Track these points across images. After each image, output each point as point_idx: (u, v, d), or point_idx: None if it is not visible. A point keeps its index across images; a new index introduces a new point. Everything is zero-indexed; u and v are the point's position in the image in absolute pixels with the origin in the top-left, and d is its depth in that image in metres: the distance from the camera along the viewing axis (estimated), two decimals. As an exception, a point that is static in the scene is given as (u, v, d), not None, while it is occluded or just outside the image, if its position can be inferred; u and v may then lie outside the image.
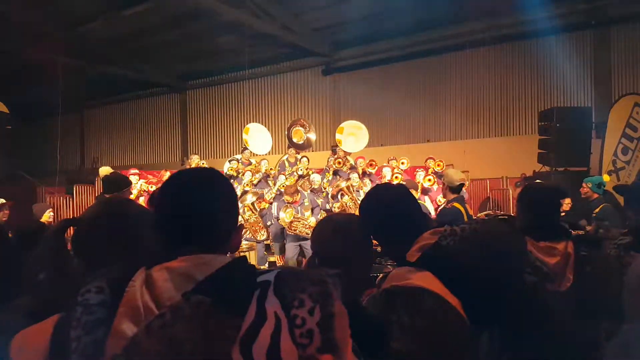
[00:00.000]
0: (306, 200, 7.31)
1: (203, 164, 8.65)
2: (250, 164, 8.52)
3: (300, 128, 9.14)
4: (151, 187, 8.52)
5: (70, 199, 10.21)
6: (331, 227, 1.47)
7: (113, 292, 0.84)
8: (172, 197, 0.97)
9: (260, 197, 7.66)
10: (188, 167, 8.77)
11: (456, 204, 4.05)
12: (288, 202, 7.00)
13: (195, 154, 9.38)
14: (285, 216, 6.81)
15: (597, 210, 5.00)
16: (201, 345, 0.77)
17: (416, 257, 1.27)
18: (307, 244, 6.91)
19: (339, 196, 7.46)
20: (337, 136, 8.81)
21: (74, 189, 10.38)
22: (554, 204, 2.23)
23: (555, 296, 1.84)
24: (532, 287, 1.29)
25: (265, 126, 9.99)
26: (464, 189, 7.48)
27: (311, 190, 7.54)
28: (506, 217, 4.33)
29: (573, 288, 1.97)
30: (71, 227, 1.23)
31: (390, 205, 1.46)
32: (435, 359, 1.10)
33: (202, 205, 0.95)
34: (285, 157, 8.99)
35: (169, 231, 0.94)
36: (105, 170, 8.61)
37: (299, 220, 6.90)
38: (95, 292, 0.84)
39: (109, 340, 0.79)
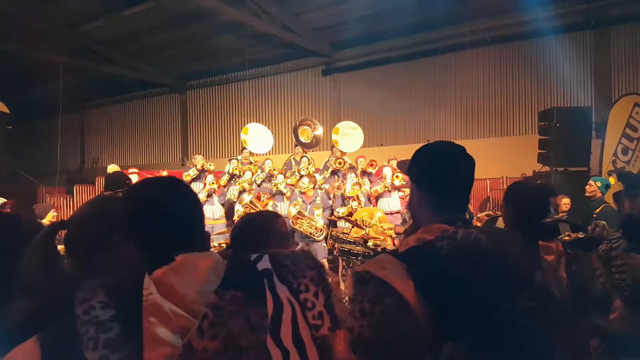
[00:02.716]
0: (318, 198, 7.38)
1: (210, 165, 8.62)
2: (250, 163, 8.52)
3: (307, 128, 9.18)
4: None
5: (71, 199, 10.22)
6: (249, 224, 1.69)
7: (118, 305, 0.81)
8: (164, 205, 0.98)
9: (257, 197, 7.69)
10: (192, 166, 8.78)
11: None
12: (302, 197, 7.14)
13: (197, 154, 9.39)
14: (293, 210, 6.92)
15: (597, 210, 5.00)
16: (251, 337, 0.79)
17: (405, 248, 1.21)
18: (313, 245, 6.94)
19: (348, 200, 7.46)
20: (333, 137, 8.87)
21: (74, 189, 10.39)
22: (545, 202, 2.26)
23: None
24: (524, 312, 1.16)
25: (265, 126, 10.01)
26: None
27: (301, 192, 7.53)
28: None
29: (567, 287, 2.00)
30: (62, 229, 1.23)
31: (446, 161, 1.34)
32: (386, 352, 1.06)
33: (192, 209, 1.01)
34: (292, 157, 9.04)
35: (163, 235, 0.95)
36: (112, 169, 8.64)
37: (305, 218, 6.95)
38: (100, 307, 0.80)
39: (147, 351, 0.76)
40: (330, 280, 0.90)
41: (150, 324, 0.77)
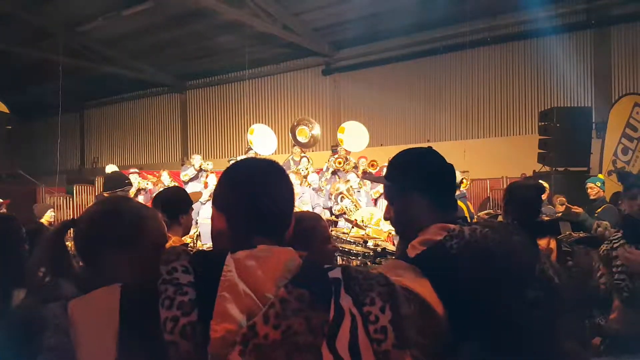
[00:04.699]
0: (306, 194, 7.33)
1: (208, 165, 8.64)
2: None
3: (305, 127, 9.18)
4: (147, 183, 8.52)
5: (70, 199, 10.23)
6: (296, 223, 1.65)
7: (197, 273, 0.84)
8: (251, 188, 0.98)
9: None
10: (190, 166, 8.77)
11: (458, 202, 4.07)
12: None
13: (197, 153, 9.39)
14: None
15: (599, 210, 5.01)
16: (308, 338, 0.81)
17: (415, 253, 1.21)
18: None
19: (339, 199, 7.45)
20: (339, 135, 8.87)
21: (74, 189, 10.40)
22: (536, 200, 2.33)
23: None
24: (531, 303, 1.19)
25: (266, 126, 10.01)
26: (464, 188, 7.54)
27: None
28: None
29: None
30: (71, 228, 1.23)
31: (439, 164, 1.38)
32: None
33: (281, 197, 1.00)
34: (291, 157, 9.04)
35: (246, 220, 0.96)
36: (110, 169, 8.66)
37: None
38: (182, 271, 0.84)
39: (214, 323, 0.79)
40: (401, 299, 0.90)
41: (223, 298, 0.81)
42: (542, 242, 2.14)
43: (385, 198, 1.46)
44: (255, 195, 0.97)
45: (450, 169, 1.39)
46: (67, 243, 1.20)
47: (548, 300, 1.22)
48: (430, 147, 1.44)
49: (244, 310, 0.81)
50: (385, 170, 1.52)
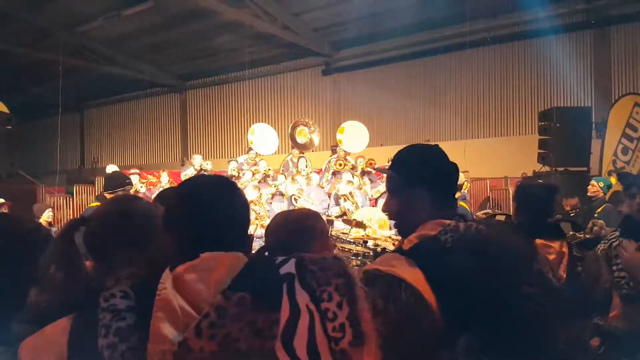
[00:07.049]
0: (312, 193, 7.34)
1: (208, 164, 8.63)
2: (256, 164, 8.50)
3: (304, 128, 9.17)
4: (141, 186, 8.52)
5: (70, 199, 10.22)
6: (286, 221, 1.57)
7: (138, 296, 0.83)
8: (194, 201, 0.97)
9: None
10: (190, 166, 8.77)
11: (461, 202, 4.07)
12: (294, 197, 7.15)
13: (197, 154, 9.39)
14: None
15: (599, 210, 5.01)
16: (253, 342, 0.77)
17: (410, 245, 1.22)
18: None
19: (341, 201, 7.42)
20: (338, 136, 8.86)
21: (74, 189, 10.39)
22: (550, 202, 2.29)
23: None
24: (527, 299, 1.18)
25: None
26: (464, 190, 7.54)
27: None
28: (504, 216, 4.35)
29: (565, 286, 2.03)
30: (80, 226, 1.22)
31: (446, 160, 1.38)
32: (403, 349, 1.05)
33: (222, 209, 0.97)
34: (289, 157, 9.02)
35: (189, 232, 0.94)
36: (111, 169, 8.67)
37: None
38: (120, 297, 0.83)
39: (150, 345, 0.77)
40: (358, 291, 0.86)
41: (157, 318, 0.79)
42: (556, 245, 2.10)
43: (388, 190, 1.45)
44: (199, 208, 0.95)
45: (455, 168, 1.39)
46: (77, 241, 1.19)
47: (545, 298, 1.22)
48: (437, 145, 1.44)
49: (180, 327, 0.78)
50: (391, 163, 1.53)
